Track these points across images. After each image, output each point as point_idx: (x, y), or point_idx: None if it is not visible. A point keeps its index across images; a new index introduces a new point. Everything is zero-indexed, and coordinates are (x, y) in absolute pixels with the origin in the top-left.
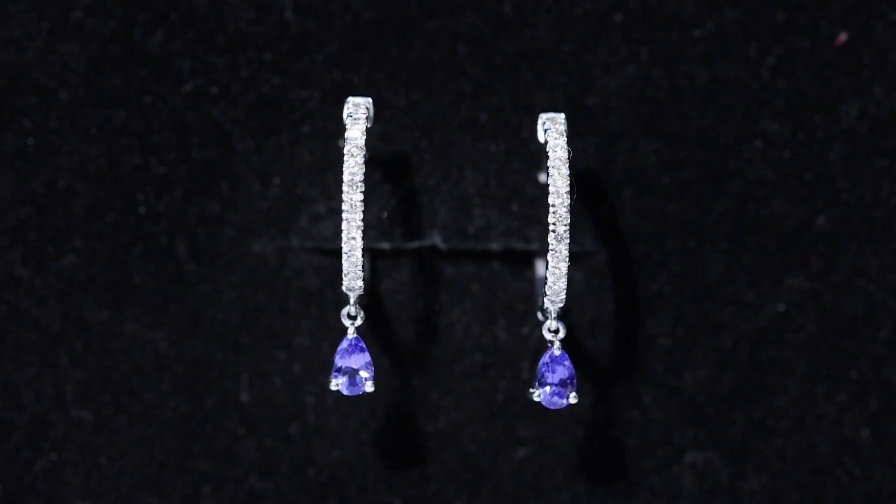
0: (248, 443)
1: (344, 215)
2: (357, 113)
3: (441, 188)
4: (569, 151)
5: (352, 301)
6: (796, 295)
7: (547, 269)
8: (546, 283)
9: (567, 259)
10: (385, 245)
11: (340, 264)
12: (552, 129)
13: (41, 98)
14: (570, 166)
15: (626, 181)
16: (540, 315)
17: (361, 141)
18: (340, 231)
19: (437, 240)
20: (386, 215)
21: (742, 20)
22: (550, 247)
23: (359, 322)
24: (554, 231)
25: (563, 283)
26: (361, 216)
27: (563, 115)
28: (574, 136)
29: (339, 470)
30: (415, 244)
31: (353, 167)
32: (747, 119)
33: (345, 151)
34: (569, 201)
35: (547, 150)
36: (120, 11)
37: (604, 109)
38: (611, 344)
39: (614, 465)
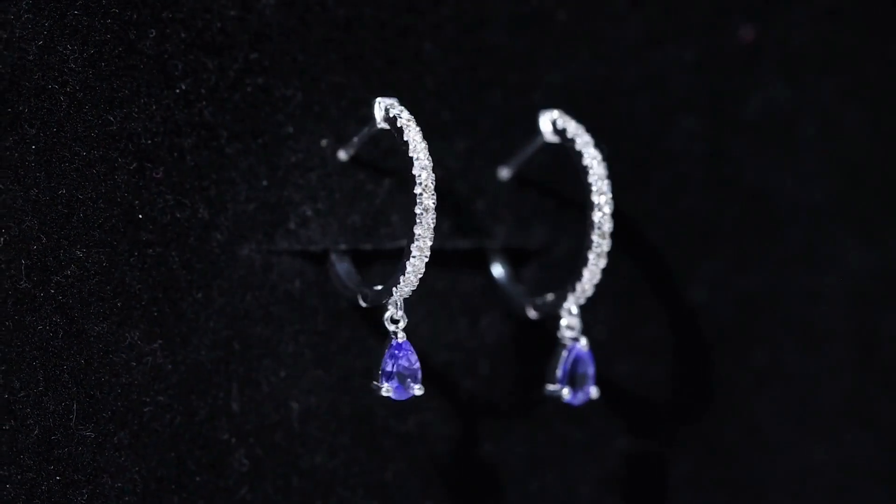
0: (239, 452)
1: (418, 219)
2: (403, 114)
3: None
4: (603, 149)
5: (400, 304)
6: (714, 284)
7: (584, 265)
8: (579, 278)
9: (606, 257)
10: (367, 245)
11: (326, 267)
12: (576, 129)
13: (42, 102)
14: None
15: (569, 175)
16: (532, 312)
17: (425, 142)
18: (332, 232)
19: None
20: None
21: (663, 20)
22: (594, 245)
23: (402, 325)
24: (599, 229)
25: (596, 280)
26: (435, 219)
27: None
28: (526, 132)
29: (323, 476)
30: (394, 244)
31: (424, 169)
32: (668, 113)
33: (412, 155)
34: (612, 198)
35: (576, 148)
36: (115, 11)
37: (549, 105)
38: (547, 336)
39: (557, 457)
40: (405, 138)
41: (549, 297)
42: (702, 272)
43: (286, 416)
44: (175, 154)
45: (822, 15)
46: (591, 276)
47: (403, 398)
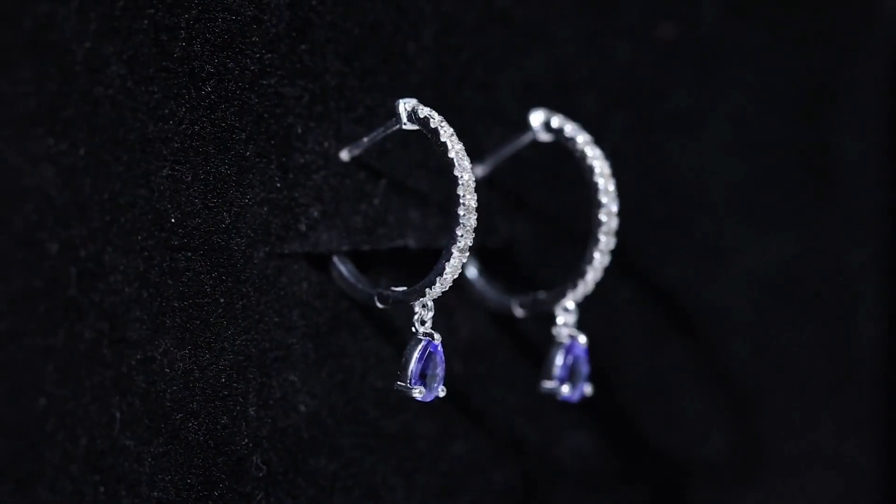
0: (256, 458)
1: (461, 220)
2: (434, 116)
3: (395, 188)
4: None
5: (430, 304)
6: (638, 278)
7: (589, 264)
8: (581, 277)
9: (611, 256)
10: (365, 246)
11: (334, 269)
12: (568, 128)
13: (90, 106)
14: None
15: (528, 171)
16: (519, 310)
17: (460, 144)
18: (339, 234)
19: (409, 240)
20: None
21: (596, 24)
22: (600, 244)
23: (429, 326)
24: (605, 226)
25: (598, 278)
26: (476, 219)
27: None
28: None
29: (329, 479)
30: (389, 244)
31: (465, 169)
32: (602, 111)
33: (451, 157)
34: (617, 198)
35: (577, 147)
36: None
37: (508, 101)
38: (499, 333)
39: (528, 453)
40: (442, 139)
41: (541, 294)
42: (629, 266)
43: (295, 419)
44: (201, 157)
45: (729, 13)
46: (594, 273)
47: (429, 400)
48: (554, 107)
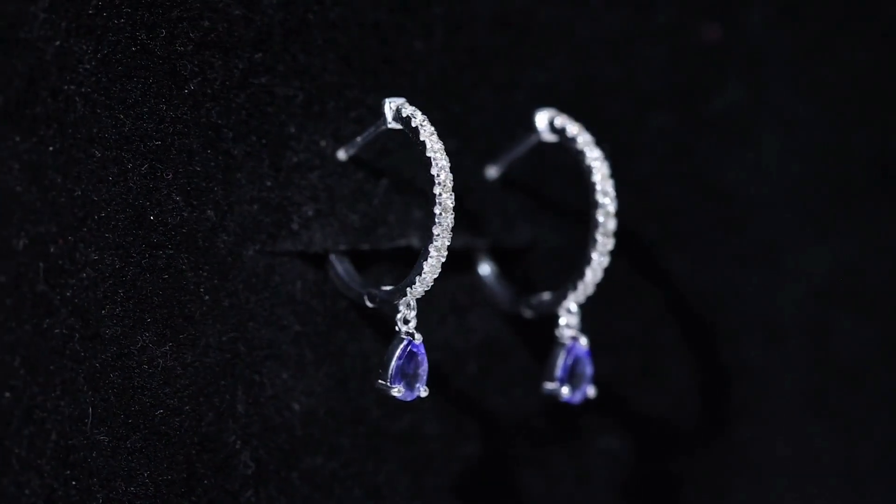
0: (245, 455)
1: (437, 219)
2: (417, 115)
3: (396, 187)
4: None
5: (412, 304)
6: (681, 279)
7: (587, 265)
8: (581, 277)
9: (610, 256)
10: (365, 246)
11: (331, 268)
12: (570, 128)
13: (58, 103)
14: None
15: (550, 173)
16: (528, 311)
17: (440, 143)
18: (334, 233)
19: (413, 240)
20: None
21: (630, 22)
22: (598, 244)
23: (413, 325)
24: (602, 227)
25: (598, 279)
26: (453, 219)
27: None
28: (505, 130)
29: (323, 478)
30: (392, 244)
31: (443, 168)
32: (640, 112)
33: (429, 155)
34: (616, 198)
35: (577, 148)
36: (127, 11)
37: (532, 104)
38: (536, 337)
39: (541, 455)
40: (421, 138)
41: (546, 295)
42: (672, 268)
43: (289, 417)
44: (184, 155)
45: (778, 15)
46: (593, 274)
47: (409, 399)
48: (580, 108)
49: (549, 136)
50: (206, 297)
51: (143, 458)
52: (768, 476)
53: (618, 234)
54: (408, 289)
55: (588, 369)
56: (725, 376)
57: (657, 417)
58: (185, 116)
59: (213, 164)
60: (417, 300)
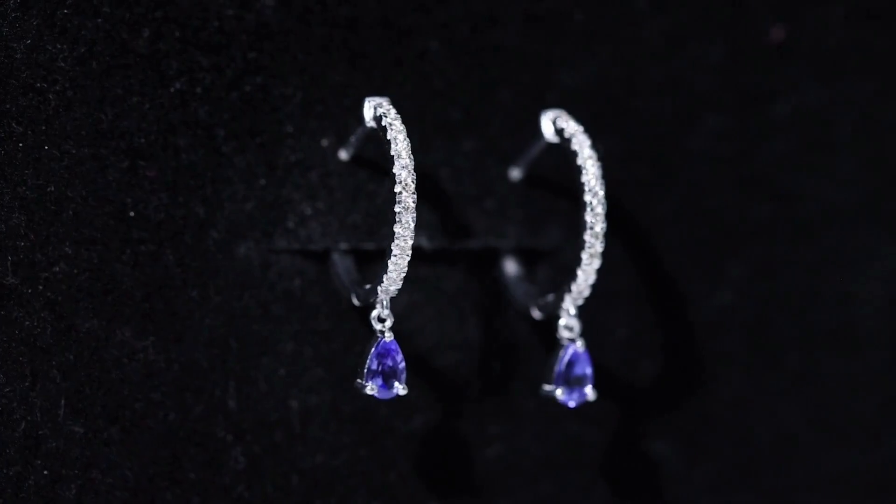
0: (236, 450)
1: (398, 217)
2: (390, 113)
3: (421, 187)
4: (599, 149)
5: (386, 303)
6: (740, 285)
7: (579, 266)
8: (574, 279)
9: (601, 257)
10: (370, 245)
11: (326, 266)
12: (573, 127)
13: (30, 100)
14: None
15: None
16: (536, 312)
17: (407, 141)
18: (332, 231)
19: (422, 240)
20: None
21: (689, 19)
22: (587, 245)
23: (389, 324)
24: (591, 229)
25: (591, 281)
26: (415, 218)
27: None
28: (537, 132)
29: (321, 475)
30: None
31: (405, 168)
32: (693, 115)
33: (393, 153)
34: (605, 198)
35: (571, 147)
36: (106, 10)
37: (563, 106)
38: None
39: (574, 458)
40: (388, 136)
41: (550, 297)
42: (727, 274)
43: (285, 414)
44: (169, 153)
45: (856, 14)
46: (585, 276)
47: (387, 398)
48: (622, 110)
49: (553, 138)
50: (194, 293)
51: (122, 450)
52: (842, 488)
53: (670, 242)
54: (378, 288)
55: (586, 371)
56: (795, 384)
57: (716, 424)
58: (170, 115)
59: (201, 161)
60: (426, 300)
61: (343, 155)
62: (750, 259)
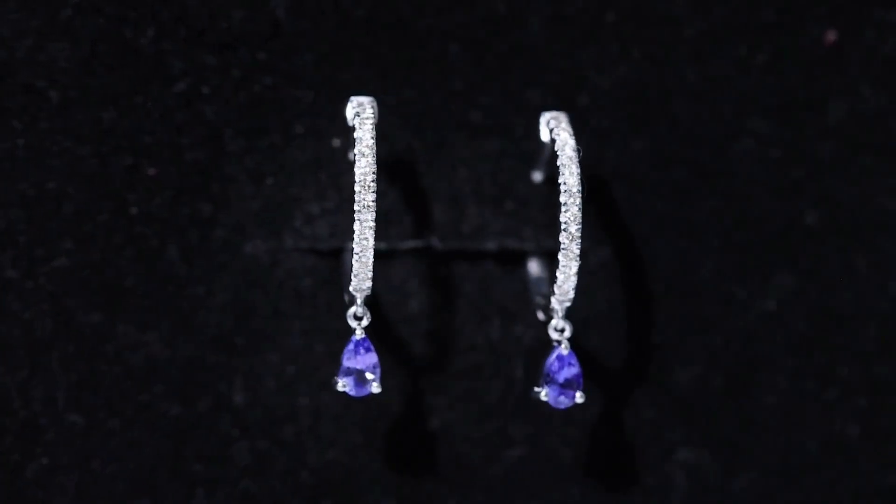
0: (242, 445)
1: (357, 216)
2: (365, 112)
3: (435, 187)
4: (579, 150)
5: (359, 302)
6: (786, 293)
7: (558, 267)
8: (555, 281)
9: (578, 258)
10: (381, 245)
11: (335, 265)
12: (559, 128)
13: (30, 98)
14: (579, 164)
15: (617, 179)
16: (541, 314)
17: (371, 140)
18: (340, 231)
19: (433, 240)
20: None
21: (731, 19)
22: (562, 246)
23: (365, 322)
24: (566, 230)
25: (572, 283)
26: (374, 217)
27: (563, 114)
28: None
29: (333, 472)
30: (411, 244)
31: (365, 167)
32: (736, 117)
33: (356, 151)
34: (581, 200)
35: (555, 149)
36: (110, 10)
37: (595, 108)
38: (602, 342)
39: (607, 464)
40: (356, 135)
41: (543, 300)
42: (772, 281)
43: (294, 411)
44: (174, 151)
45: None
46: (565, 278)
47: (360, 395)
48: (652, 113)
49: (547, 138)
50: (200, 289)
51: (123, 442)
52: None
53: (711, 248)
54: (350, 287)
55: (570, 374)
56: (844, 394)
57: (759, 433)
58: (175, 114)
59: (206, 160)
60: (445, 301)
61: (352, 156)
62: (796, 266)
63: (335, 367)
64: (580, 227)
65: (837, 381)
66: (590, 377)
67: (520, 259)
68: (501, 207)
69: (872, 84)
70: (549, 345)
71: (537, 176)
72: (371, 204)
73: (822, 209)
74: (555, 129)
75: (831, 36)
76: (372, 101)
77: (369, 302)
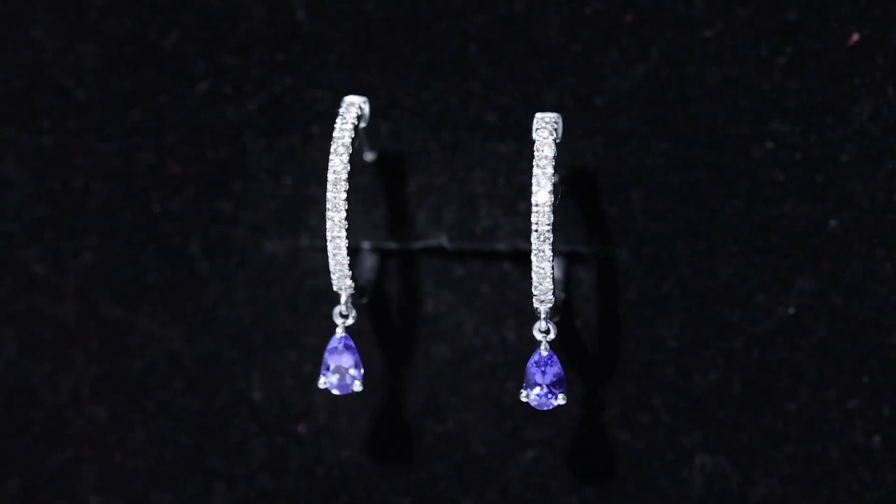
0: (259, 441)
1: (328, 214)
2: (347, 112)
3: (449, 188)
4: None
5: (343, 300)
6: (807, 298)
7: (532, 269)
8: (532, 283)
9: (552, 259)
10: (392, 244)
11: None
12: (541, 129)
13: (58, 98)
14: (556, 165)
15: (635, 182)
16: (559, 314)
17: (348, 139)
18: (355, 230)
19: (443, 240)
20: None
21: (752, 20)
22: (534, 247)
23: (350, 321)
24: (536, 231)
25: (548, 284)
26: (345, 215)
27: (555, 115)
28: (583, 136)
29: (348, 470)
30: (420, 244)
31: (338, 165)
32: (757, 120)
33: (331, 150)
34: (552, 200)
35: (534, 148)
36: (136, 12)
37: (613, 109)
38: (620, 346)
39: (623, 468)
40: (333, 134)
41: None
42: (793, 286)
43: (311, 409)
44: (196, 150)
45: None
46: (539, 279)
47: (343, 393)
48: (671, 115)
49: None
50: (220, 287)
51: (145, 435)
52: None
53: (730, 251)
54: (334, 287)
55: (550, 376)
56: (867, 401)
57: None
58: (198, 114)
59: (228, 159)
60: (461, 300)
61: (368, 156)
62: (817, 271)
63: (362, 366)
64: (551, 227)
65: (859, 388)
66: (607, 380)
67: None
68: (514, 209)
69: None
70: (565, 346)
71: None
72: (342, 203)
73: (843, 213)
74: (538, 129)
75: (854, 37)
76: (361, 102)
77: (364, 300)
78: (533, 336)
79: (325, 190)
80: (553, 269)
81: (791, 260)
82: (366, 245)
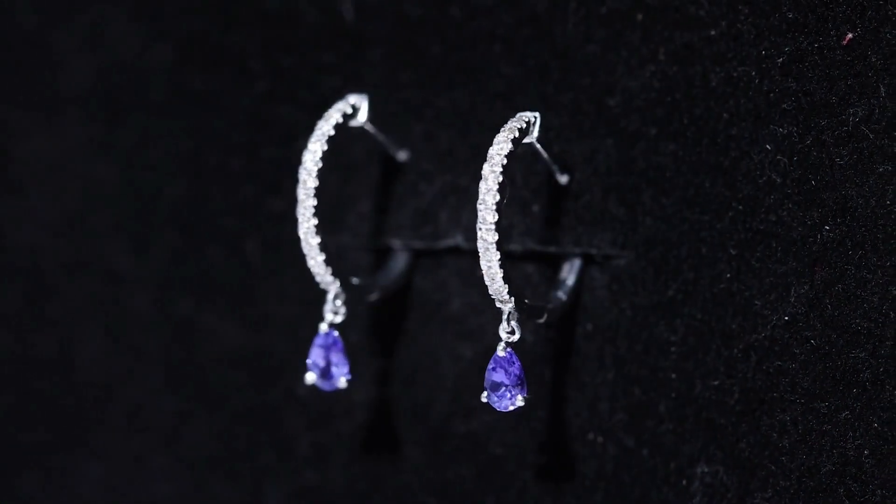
0: (305, 438)
1: (298, 214)
2: (329, 112)
3: (469, 188)
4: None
5: (330, 297)
6: (804, 306)
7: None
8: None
9: (499, 259)
10: (418, 244)
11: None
12: (505, 129)
13: (135, 98)
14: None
15: (644, 184)
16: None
17: (322, 138)
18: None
19: (459, 239)
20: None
21: (751, 20)
22: (479, 246)
23: (339, 318)
24: (481, 229)
25: (499, 284)
26: (313, 213)
27: (532, 114)
28: (594, 138)
29: (384, 469)
30: (441, 244)
31: (309, 163)
32: (757, 122)
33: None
34: (497, 198)
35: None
36: (202, 15)
37: (625, 110)
38: (626, 350)
39: (627, 474)
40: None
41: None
42: (790, 293)
43: (350, 407)
44: (254, 149)
45: None
46: (489, 275)
47: (329, 390)
48: (677, 117)
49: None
50: (273, 282)
51: (206, 428)
52: None
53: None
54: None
55: (508, 376)
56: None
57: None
58: (256, 113)
59: (281, 157)
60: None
61: (402, 156)
62: (814, 278)
63: (397, 363)
64: (496, 219)
65: (851, 399)
66: (608, 387)
67: (548, 261)
68: (529, 209)
69: (890, 87)
70: (579, 347)
71: (563, 178)
72: (304, 200)
73: (841, 218)
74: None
75: (849, 36)
76: (355, 100)
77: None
78: (549, 337)
79: (360, 189)
80: (503, 268)
81: (786, 266)
82: (396, 244)
